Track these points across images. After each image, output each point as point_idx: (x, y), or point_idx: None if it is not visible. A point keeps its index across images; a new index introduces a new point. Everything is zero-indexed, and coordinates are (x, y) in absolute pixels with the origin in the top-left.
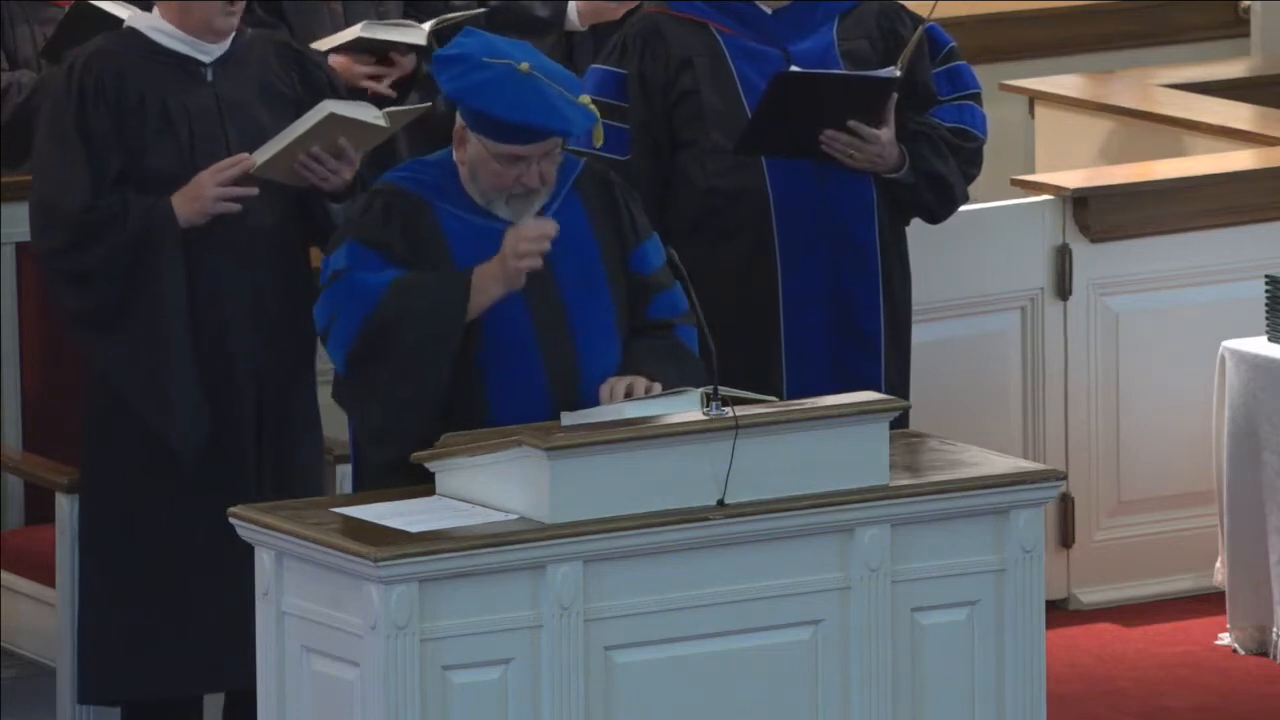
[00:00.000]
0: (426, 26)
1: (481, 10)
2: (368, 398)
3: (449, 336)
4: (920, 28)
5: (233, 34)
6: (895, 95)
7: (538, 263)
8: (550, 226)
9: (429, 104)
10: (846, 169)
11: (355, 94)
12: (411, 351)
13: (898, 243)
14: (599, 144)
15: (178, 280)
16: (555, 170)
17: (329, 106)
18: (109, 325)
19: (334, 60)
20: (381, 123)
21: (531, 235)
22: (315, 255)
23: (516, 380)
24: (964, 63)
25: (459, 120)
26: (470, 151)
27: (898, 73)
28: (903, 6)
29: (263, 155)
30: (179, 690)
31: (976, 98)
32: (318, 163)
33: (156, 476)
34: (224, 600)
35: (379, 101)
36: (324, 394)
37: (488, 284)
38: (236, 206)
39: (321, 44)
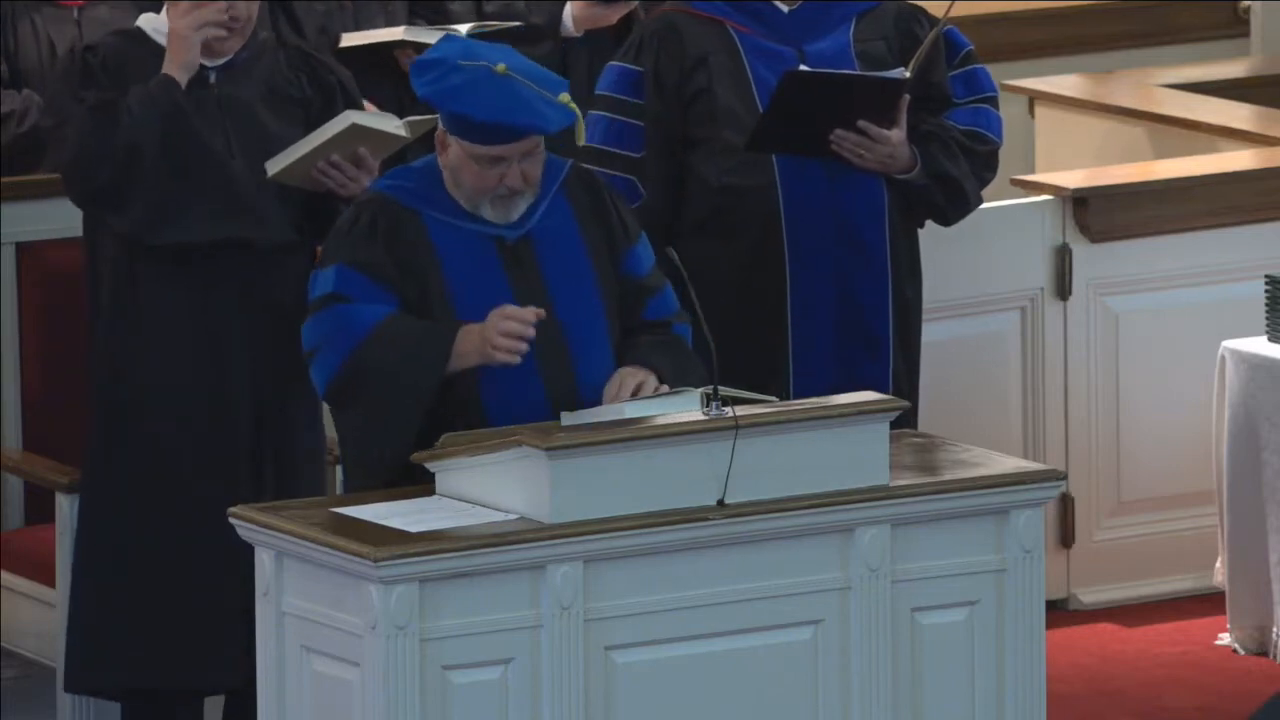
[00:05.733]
0: (464, 29)
1: (519, 24)
2: (344, 432)
3: (422, 393)
4: (935, 29)
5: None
6: (906, 96)
7: (515, 358)
8: (534, 314)
9: None
10: (857, 169)
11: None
12: (383, 403)
13: (909, 244)
14: (581, 142)
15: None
16: (539, 170)
17: (351, 117)
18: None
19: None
20: (402, 132)
21: (515, 319)
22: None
23: (512, 385)
24: (981, 66)
25: (439, 125)
26: (451, 155)
27: (907, 74)
28: (921, 8)
29: (282, 162)
30: (173, 683)
31: (993, 101)
32: (337, 170)
33: (157, 477)
34: (224, 600)
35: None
36: None
37: (467, 350)
38: (221, 32)
39: (354, 38)
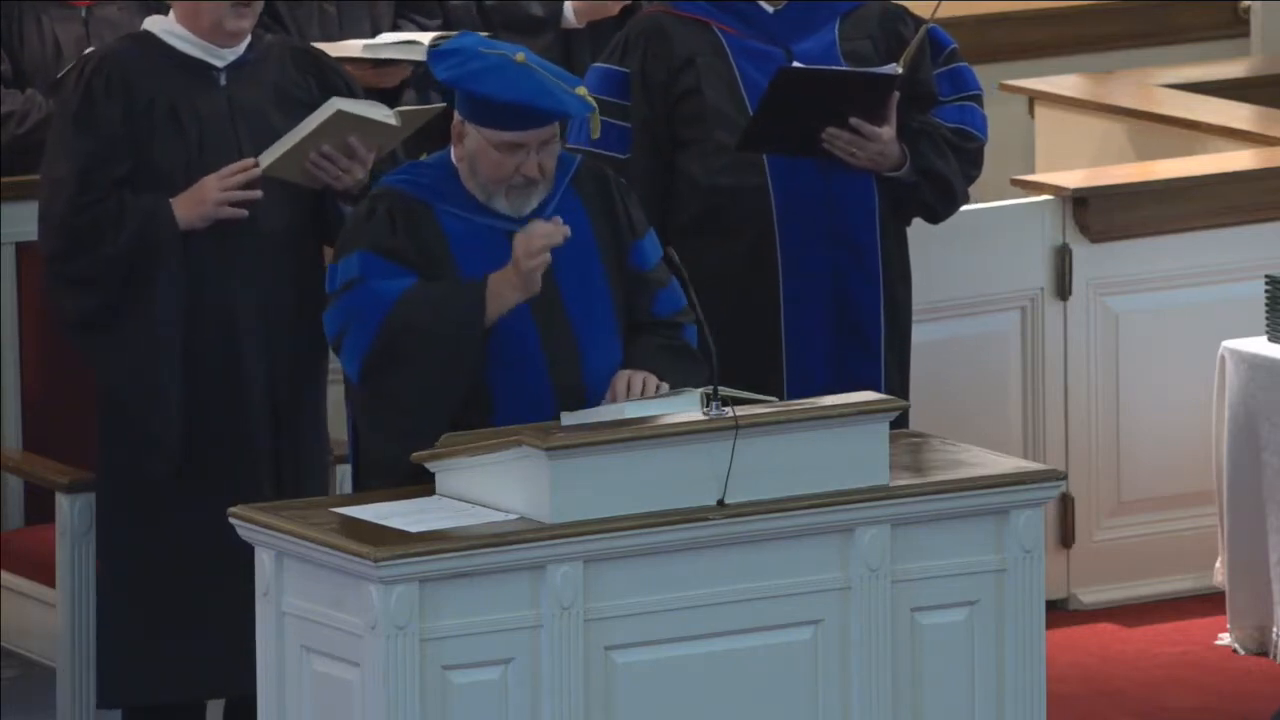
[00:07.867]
0: (426, 40)
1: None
2: (382, 407)
3: (466, 346)
4: (922, 28)
5: (247, 38)
6: (897, 93)
7: (547, 259)
8: (560, 228)
9: (443, 104)
10: (848, 168)
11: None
12: (427, 362)
13: (899, 243)
14: (596, 135)
15: (172, 287)
16: (554, 163)
17: (336, 104)
18: (105, 329)
19: None
20: (392, 121)
21: (541, 233)
22: (330, 256)
23: (520, 380)
24: (965, 64)
25: (456, 116)
26: (469, 144)
27: (899, 70)
28: (905, 8)
29: (273, 154)
30: (192, 695)
31: (977, 99)
32: (329, 161)
33: (170, 480)
34: (237, 605)
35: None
36: (331, 393)
37: (503, 291)
38: (241, 212)
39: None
